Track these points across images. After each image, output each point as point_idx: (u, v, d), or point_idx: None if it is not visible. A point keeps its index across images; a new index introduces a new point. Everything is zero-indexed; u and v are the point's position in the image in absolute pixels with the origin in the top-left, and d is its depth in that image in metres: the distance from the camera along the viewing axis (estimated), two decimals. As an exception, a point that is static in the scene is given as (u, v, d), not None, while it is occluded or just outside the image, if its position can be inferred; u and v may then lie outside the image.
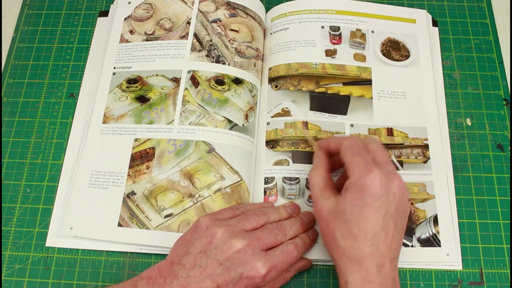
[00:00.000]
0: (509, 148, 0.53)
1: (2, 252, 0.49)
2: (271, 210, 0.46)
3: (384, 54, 0.57)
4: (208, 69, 0.54)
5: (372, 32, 0.58)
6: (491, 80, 0.57)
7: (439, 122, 0.54)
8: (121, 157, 0.51)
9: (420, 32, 0.59)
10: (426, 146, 0.52)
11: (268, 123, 0.54)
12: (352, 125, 0.53)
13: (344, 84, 0.55)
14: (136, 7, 0.59)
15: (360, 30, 0.58)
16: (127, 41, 0.57)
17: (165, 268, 0.40)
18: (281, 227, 0.44)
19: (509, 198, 0.51)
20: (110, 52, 0.57)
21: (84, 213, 0.49)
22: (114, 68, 0.56)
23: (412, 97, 0.55)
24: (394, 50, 0.57)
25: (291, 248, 0.43)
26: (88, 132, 0.53)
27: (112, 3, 0.61)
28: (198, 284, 0.39)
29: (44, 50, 0.59)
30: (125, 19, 0.59)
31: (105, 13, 0.61)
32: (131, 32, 0.58)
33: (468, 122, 0.55)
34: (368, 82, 0.55)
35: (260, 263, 0.40)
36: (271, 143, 0.52)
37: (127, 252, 0.48)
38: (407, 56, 0.57)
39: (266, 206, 0.48)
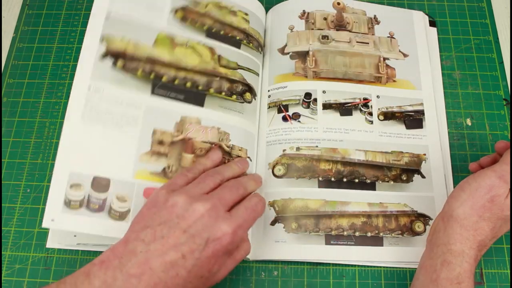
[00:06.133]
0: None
1: (2, 252, 0.49)
2: (224, 168, 0.46)
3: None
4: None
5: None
6: (491, 80, 0.57)
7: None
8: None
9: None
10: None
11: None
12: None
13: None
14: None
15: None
16: None
17: (119, 247, 0.37)
18: (239, 182, 0.44)
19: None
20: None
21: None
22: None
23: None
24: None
25: (254, 200, 0.42)
26: None
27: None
28: (160, 257, 0.36)
29: (44, 50, 0.59)
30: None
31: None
32: None
33: (468, 122, 0.55)
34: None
35: (225, 224, 0.38)
36: None
37: (127, 252, 0.48)
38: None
39: (214, 158, 0.47)
